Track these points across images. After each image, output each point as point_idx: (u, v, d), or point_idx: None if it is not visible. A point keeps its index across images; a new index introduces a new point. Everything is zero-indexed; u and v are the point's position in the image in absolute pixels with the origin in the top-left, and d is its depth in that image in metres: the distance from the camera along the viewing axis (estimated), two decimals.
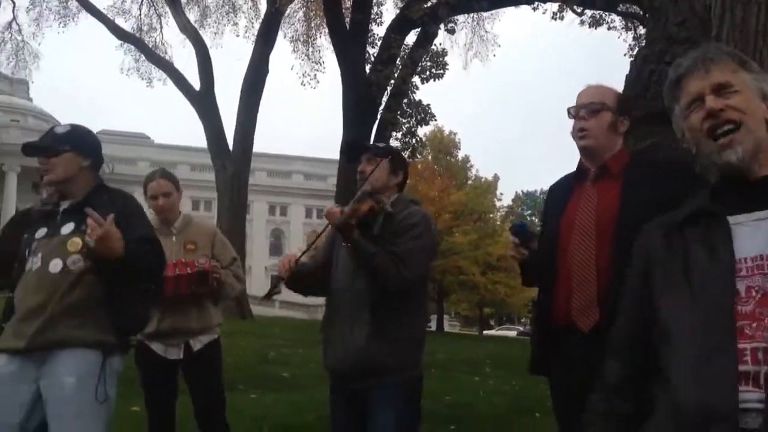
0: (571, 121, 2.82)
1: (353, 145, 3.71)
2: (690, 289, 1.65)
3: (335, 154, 20.18)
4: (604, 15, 20.29)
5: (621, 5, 18.41)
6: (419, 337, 3.21)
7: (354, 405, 3.13)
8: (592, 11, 20.17)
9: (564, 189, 2.89)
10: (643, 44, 3.75)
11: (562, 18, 20.96)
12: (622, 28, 20.47)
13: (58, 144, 3.08)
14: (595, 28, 20.78)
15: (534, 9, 21.18)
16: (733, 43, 3.13)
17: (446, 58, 22.17)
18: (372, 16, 21.37)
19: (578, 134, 2.78)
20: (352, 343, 3.07)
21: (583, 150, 2.80)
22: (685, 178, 2.46)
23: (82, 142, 3.14)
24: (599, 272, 2.55)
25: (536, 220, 65.40)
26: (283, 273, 3.14)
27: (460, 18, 22.80)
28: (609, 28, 20.67)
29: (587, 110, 2.76)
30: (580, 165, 2.86)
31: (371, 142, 3.38)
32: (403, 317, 3.12)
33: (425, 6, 20.00)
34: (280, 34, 24.35)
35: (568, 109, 2.83)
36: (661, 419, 1.66)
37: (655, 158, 3.16)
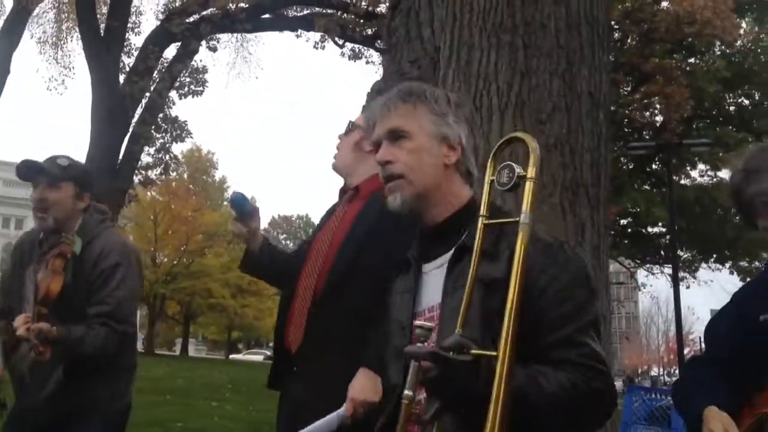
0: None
1: (31, 168, 2.99)
2: (390, 334, 1.74)
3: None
4: (363, 49, 21.03)
5: (378, 41, 19.21)
6: (128, 365, 2.97)
7: None
8: (352, 44, 20.83)
9: (329, 213, 2.81)
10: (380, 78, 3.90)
11: (323, 48, 21.46)
12: (380, 64, 21.35)
13: None
14: (355, 61, 21.48)
15: (297, 36, 21.52)
16: (458, 84, 3.34)
17: (207, 76, 21.85)
18: (130, 25, 20.49)
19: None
20: (42, 387, 2.75)
21: (334, 170, 2.77)
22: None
23: None
24: (315, 293, 2.50)
25: (291, 244, 66.04)
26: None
27: (224, 37, 22.53)
28: (367, 62, 21.45)
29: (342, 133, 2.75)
30: (341, 188, 2.82)
31: (53, 160, 2.95)
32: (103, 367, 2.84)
33: (187, 21, 19.55)
34: (26, 33, 22.51)
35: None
36: None
37: None
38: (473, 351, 1.35)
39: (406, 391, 1.35)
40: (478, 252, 1.49)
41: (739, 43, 20.12)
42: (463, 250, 1.61)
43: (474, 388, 1.35)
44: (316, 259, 2.58)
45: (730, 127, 20.11)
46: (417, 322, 1.39)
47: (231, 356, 49.98)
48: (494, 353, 1.34)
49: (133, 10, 20.60)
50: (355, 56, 21.34)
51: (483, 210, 1.51)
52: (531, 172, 1.46)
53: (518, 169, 1.47)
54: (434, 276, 1.67)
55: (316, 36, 21.00)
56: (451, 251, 1.65)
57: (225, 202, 44.73)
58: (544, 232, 1.62)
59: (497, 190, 1.50)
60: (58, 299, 2.72)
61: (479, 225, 1.51)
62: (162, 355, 37.89)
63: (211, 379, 15.88)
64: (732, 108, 22.04)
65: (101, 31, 18.81)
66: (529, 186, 1.45)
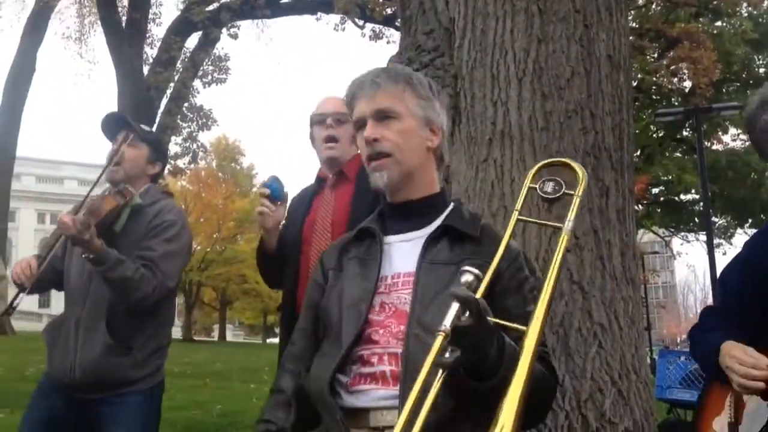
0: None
1: (117, 120, 3.07)
2: (340, 298, 1.76)
3: None
4: (383, 29, 20.94)
5: (398, 21, 19.10)
6: (162, 344, 2.94)
7: (80, 415, 2.78)
8: (372, 24, 20.76)
9: (304, 200, 2.90)
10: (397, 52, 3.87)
11: (344, 29, 21.44)
12: None
13: None
14: (376, 41, 21.41)
15: (317, 20, 21.51)
16: (474, 53, 3.31)
17: (229, 63, 21.93)
18: (150, 16, 20.65)
19: (327, 144, 2.81)
20: (85, 354, 2.73)
21: (329, 160, 2.83)
22: None
23: None
24: None
25: None
26: (26, 282, 2.75)
27: (244, 24, 22.60)
28: (388, 42, 21.32)
29: (335, 119, 2.80)
30: (319, 175, 2.91)
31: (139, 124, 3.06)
32: (147, 327, 2.84)
33: (207, 9, 19.62)
34: (50, 30, 22.78)
35: (312, 117, 2.88)
36: None
37: None
38: (501, 322, 1.45)
39: (446, 324, 1.34)
40: (506, 244, 1.60)
41: (765, 3, 19.73)
42: (445, 230, 1.74)
43: (489, 355, 1.43)
44: (320, 239, 2.66)
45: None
46: (466, 268, 1.42)
47: (268, 340, 50.39)
48: (523, 327, 1.40)
49: (153, 1, 20.74)
50: (376, 36, 21.27)
51: (518, 205, 1.63)
52: (580, 191, 1.60)
53: (566, 188, 1.60)
54: (398, 248, 1.78)
55: (335, 18, 20.98)
56: (423, 229, 1.77)
57: (254, 189, 45.05)
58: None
59: (537, 196, 1.63)
60: (107, 236, 2.72)
61: (513, 218, 1.62)
62: (201, 341, 38.32)
63: (249, 362, 16.07)
64: (761, 70, 21.64)
65: (123, 24, 18.97)
66: (576, 202, 1.59)
